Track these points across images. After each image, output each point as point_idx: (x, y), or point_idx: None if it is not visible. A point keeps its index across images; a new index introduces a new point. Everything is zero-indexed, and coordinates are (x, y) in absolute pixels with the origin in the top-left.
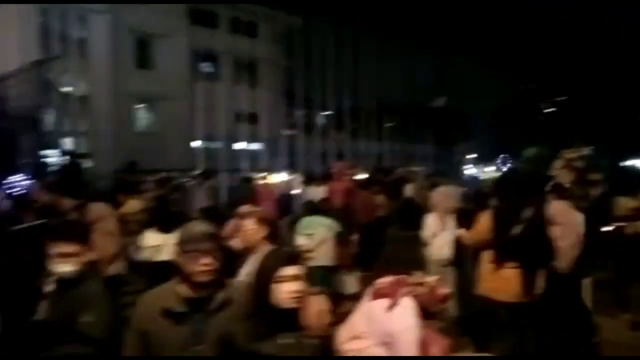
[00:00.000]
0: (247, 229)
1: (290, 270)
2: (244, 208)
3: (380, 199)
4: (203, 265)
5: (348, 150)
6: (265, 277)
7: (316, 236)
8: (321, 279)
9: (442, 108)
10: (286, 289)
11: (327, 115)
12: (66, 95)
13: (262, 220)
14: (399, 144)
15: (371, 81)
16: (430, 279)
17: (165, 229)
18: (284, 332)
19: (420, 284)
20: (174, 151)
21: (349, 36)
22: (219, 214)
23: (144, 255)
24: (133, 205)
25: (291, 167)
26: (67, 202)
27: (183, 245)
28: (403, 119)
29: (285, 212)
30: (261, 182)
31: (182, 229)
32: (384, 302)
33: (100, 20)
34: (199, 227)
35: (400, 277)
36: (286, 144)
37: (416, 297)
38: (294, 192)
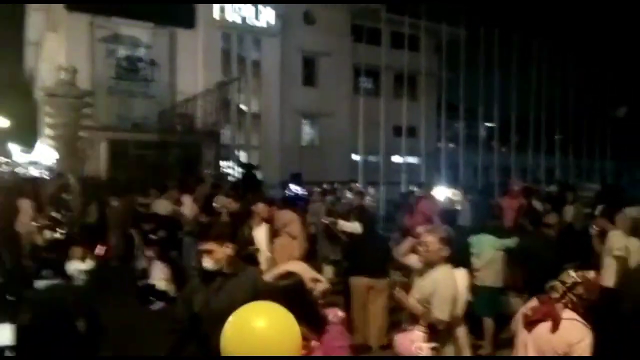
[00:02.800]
0: (431, 248)
1: None
2: (423, 227)
3: (550, 218)
4: None
5: (514, 164)
6: None
7: (484, 255)
8: (488, 300)
9: (623, 118)
10: None
11: (490, 128)
12: (241, 112)
13: (445, 240)
14: (572, 157)
15: (539, 91)
16: (590, 274)
17: None
18: None
19: (578, 282)
20: (335, 164)
21: (515, 45)
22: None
23: None
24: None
25: (452, 181)
26: (260, 208)
27: None
28: (576, 130)
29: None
30: (422, 196)
31: None
32: (545, 326)
33: (272, 43)
34: None
35: (545, 298)
36: (446, 157)
37: (576, 299)
38: (455, 207)
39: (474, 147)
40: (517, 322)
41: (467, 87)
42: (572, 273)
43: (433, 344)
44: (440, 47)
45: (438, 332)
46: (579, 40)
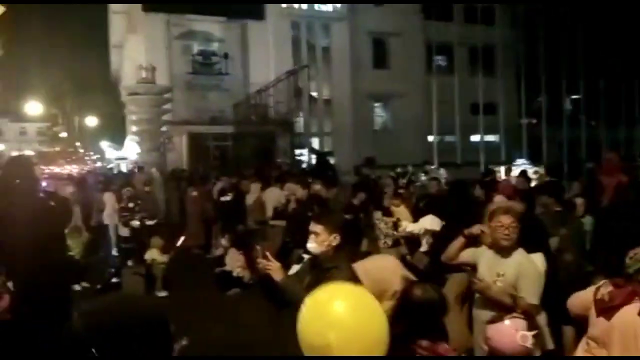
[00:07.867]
0: (513, 228)
1: None
2: (495, 206)
3: None
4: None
5: (605, 139)
6: None
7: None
8: None
9: None
10: None
11: (576, 100)
12: (313, 99)
13: (521, 218)
14: None
15: (630, 56)
16: None
17: None
18: None
19: None
20: (410, 146)
21: (599, 10)
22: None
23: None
24: None
25: (533, 159)
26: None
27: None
28: None
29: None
30: (501, 175)
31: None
32: (630, 310)
33: (341, 27)
34: None
35: (620, 280)
36: (528, 134)
37: None
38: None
39: (558, 121)
40: (590, 310)
41: (548, 58)
42: None
43: (535, 331)
44: (517, 18)
45: (532, 319)
46: None
